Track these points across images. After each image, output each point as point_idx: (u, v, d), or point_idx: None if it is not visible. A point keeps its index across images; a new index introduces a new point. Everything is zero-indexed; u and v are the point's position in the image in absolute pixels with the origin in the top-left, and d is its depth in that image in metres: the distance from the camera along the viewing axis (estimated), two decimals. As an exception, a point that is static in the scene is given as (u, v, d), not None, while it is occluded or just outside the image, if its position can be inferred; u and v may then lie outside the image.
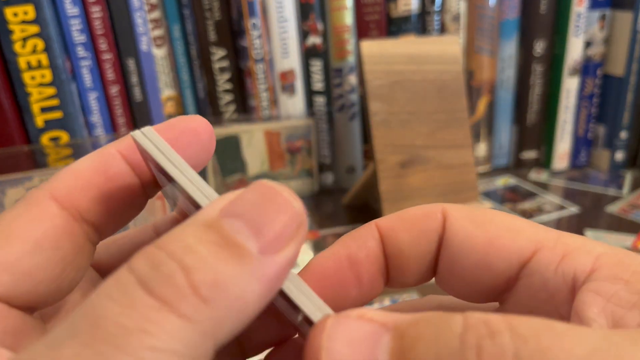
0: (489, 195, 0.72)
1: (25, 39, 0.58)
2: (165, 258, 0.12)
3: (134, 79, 0.65)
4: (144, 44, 0.65)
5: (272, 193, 0.13)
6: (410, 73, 0.60)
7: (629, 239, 0.59)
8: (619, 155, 0.76)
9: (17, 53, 0.58)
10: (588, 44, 0.73)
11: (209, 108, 0.70)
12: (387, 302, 0.51)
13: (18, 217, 0.15)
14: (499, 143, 0.78)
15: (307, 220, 0.14)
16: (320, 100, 0.71)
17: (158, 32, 0.66)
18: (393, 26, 0.69)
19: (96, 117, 0.65)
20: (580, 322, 0.14)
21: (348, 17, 0.67)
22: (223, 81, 0.69)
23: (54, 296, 0.16)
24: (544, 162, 0.79)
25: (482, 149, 0.78)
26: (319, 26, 0.68)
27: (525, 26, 0.72)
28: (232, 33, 0.67)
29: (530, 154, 0.79)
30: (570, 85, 0.74)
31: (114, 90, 0.65)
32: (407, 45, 0.61)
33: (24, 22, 0.57)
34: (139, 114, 0.67)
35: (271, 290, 0.13)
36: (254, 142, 0.70)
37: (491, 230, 0.16)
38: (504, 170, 0.79)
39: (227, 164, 0.70)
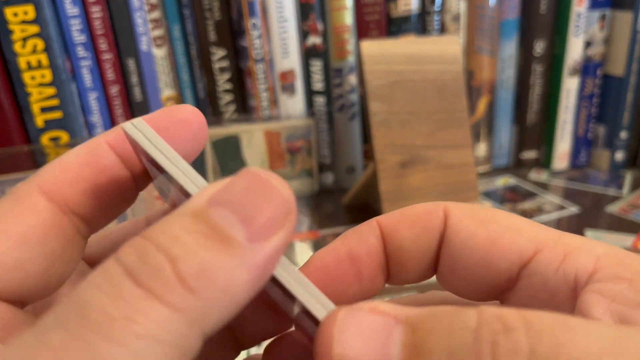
0: (489, 195, 0.72)
1: (25, 39, 0.58)
2: (152, 249, 0.12)
3: (134, 79, 0.65)
4: (144, 44, 0.65)
5: (260, 181, 0.13)
6: (410, 73, 0.60)
7: (629, 239, 0.59)
8: (619, 155, 0.76)
9: (17, 53, 0.58)
10: (588, 44, 0.73)
11: (209, 108, 0.70)
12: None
13: (5, 211, 0.15)
14: (499, 143, 0.78)
15: (296, 208, 0.13)
16: (320, 100, 0.71)
17: (158, 32, 0.66)
18: (393, 26, 0.69)
19: (96, 117, 0.65)
20: None
21: (348, 17, 0.67)
22: (223, 81, 0.69)
23: (44, 290, 0.16)
24: (544, 162, 0.79)
25: (482, 149, 0.78)
26: (319, 26, 0.68)
27: (525, 26, 0.72)
28: (232, 33, 0.67)
29: (530, 154, 0.79)
30: (570, 85, 0.74)
31: (114, 90, 0.65)
32: (407, 45, 0.61)
33: (24, 22, 0.57)
34: (139, 114, 0.66)
35: (260, 279, 0.13)
36: (254, 142, 0.70)
37: (493, 230, 0.16)
38: (504, 170, 0.79)
39: (227, 164, 0.70)
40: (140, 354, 0.11)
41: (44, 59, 0.59)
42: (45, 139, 0.62)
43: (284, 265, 0.14)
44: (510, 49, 0.73)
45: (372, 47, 0.60)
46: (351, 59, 0.69)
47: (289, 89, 0.69)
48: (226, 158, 0.70)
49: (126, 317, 0.11)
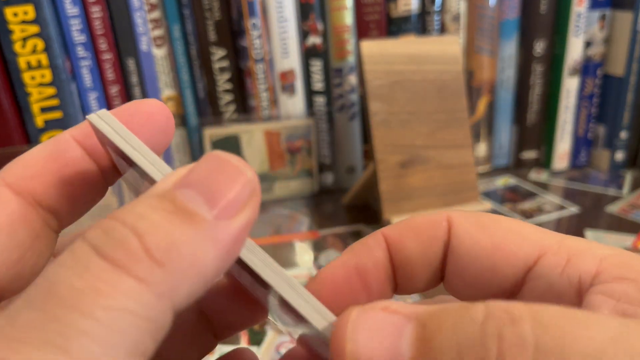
0: (489, 195, 0.72)
1: (25, 39, 0.58)
2: (118, 225, 0.12)
3: (134, 79, 0.65)
4: (144, 44, 0.65)
5: (223, 162, 0.13)
6: (410, 73, 0.60)
7: (629, 239, 0.59)
8: (619, 155, 0.76)
9: (17, 53, 0.58)
10: (588, 44, 0.73)
11: (209, 108, 0.70)
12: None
13: None
14: (499, 143, 0.78)
15: (259, 188, 0.14)
16: (320, 100, 0.71)
17: (158, 32, 0.66)
18: (393, 26, 0.69)
19: (96, 117, 0.65)
20: None
21: (348, 17, 0.67)
22: (223, 81, 0.69)
23: (16, 281, 0.16)
24: (544, 162, 0.79)
25: (482, 149, 0.78)
26: (319, 26, 0.68)
27: (525, 26, 0.72)
28: (232, 33, 0.67)
29: (530, 154, 0.79)
30: (570, 85, 0.74)
31: (114, 90, 0.65)
32: (407, 45, 0.61)
33: (24, 22, 0.57)
34: (139, 114, 0.67)
35: (228, 256, 0.13)
36: (254, 142, 0.70)
37: (496, 236, 0.16)
38: (504, 170, 0.79)
39: (227, 164, 0.70)
40: (110, 325, 0.11)
41: (44, 59, 0.59)
42: (45, 139, 0.62)
43: (255, 251, 0.14)
44: (510, 49, 0.73)
45: (372, 47, 0.60)
46: (351, 59, 0.69)
47: (289, 89, 0.69)
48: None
49: (94, 289, 0.11)
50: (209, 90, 0.69)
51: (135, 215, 0.12)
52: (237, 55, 0.68)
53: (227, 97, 0.70)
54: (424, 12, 0.70)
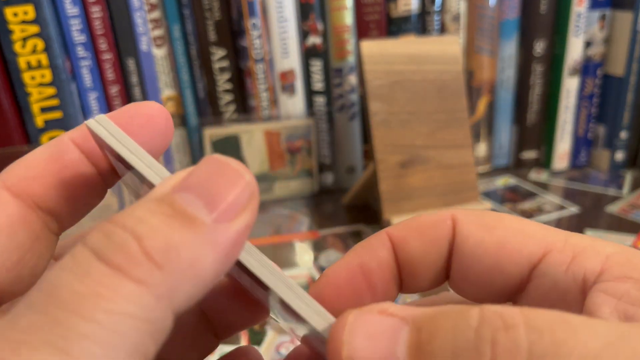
0: (489, 195, 0.72)
1: (25, 39, 0.58)
2: (118, 229, 0.12)
3: (134, 79, 0.65)
4: (144, 44, 0.65)
5: (222, 166, 0.13)
6: (410, 73, 0.60)
7: (629, 239, 0.59)
8: (619, 155, 0.76)
9: (17, 53, 0.58)
10: (588, 44, 0.73)
11: (209, 108, 0.70)
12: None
13: None
14: (499, 143, 0.78)
15: (258, 191, 0.14)
16: (320, 100, 0.71)
17: (158, 32, 0.66)
18: (393, 26, 0.69)
19: (96, 117, 0.65)
20: None
21: (348, 17, 0.67)
22: (223, 81, 0.69)
23: (16, 285, 0.16)
24: (544, 162, 0.79)
25: (482, 149, 0.78)
26: (319, 26, 0.68)
27: (525, 26, 0.72)
28: (232, 33, 0.67)
29: (530, 154, 0.79)
30: (570, 85, 0.74)
31: (114, 90, 0.65)
32: (407, 45, 0.61)
33: (24, 22, 0.57)
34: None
35: (227, 259, 0.13)
36: (254, 142, 0.70)
37: (501, 235, 0.16)
38: (504, 170, 0.79)
39: (227, 164, 0.70)
40: (111, 328, 0.11)
41: (44, 59, 0.59)
42: (45, 139, 0.62)
43: (253, 253, 0.15)
44: (510, 49, 0.73)
45: (372, 47, 0.60)
46: (351, 59, 0.69)
47: (289, 89, 0.69)
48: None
49: (95, 293, 0.11)
50: (209, 90, 0.69)
51: (134, 219, 0.12)
52: (237, 55, 0.68)
53: (227, 97, 0.70)
54: (424, 12, 0.70)
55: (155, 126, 0.17)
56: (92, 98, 0.64)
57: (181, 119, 0.71)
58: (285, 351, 0.45)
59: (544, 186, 0.74)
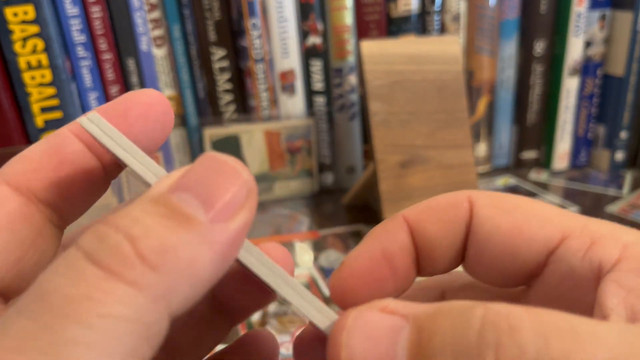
0: (489, 195, 0.72)
1: (25, 39, 0.58)
2: (111, 231, 0.12)
3: (134, 79, 0.65)
4: (144, 44, 0.65)
5: (219, 164, 0.13)
6: (410, 73, 0.60)
7: (629, 239, 0.59)
8: (619, 155, 0.76)
9: (17, 53, 0.58)
10: (588, 44, 0.73)
11: (209, 108, 0.70)
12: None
13: None
14: (499, 143, 0.78)
15: (256, 189, 0.13)
16: (320, 100, 0.71)
17: (158, 32, 0.66)
18: (393, 26, 0.69)
19: (96, 117, 0.65)
20: (601, 312, 0.14)
21: (348, 17, 0.67)
22: (223, 81, 0.69)
23: (19, 282, 0.16)
24: (544, 162, 0.79)
25: (482, 149, 0.78)
26: (319, 26, 0.68)
27: (525, 26, 0.72)
28: (232, 33, 0.67)
29: (530, 154, 0.79)
30: (570, 85, 0.74)
31: (114, 90, 0.65)
32: (407, 45, 0.61)
33: (24, 22, 0.57)
34: (139, 114, 0.67)
35: (225, 259, 0.13)
36: (254, 142, 0.70)
37: (518, 219, 0.16)
38: (504, 170, 0.79)
39: (227, 164, 0.70)
40: (105, 333, 0.11)
41: (44, 59, 0.59)
42: (45, 139, 0.62)
43: (252, 251, 0.14)
44: (510, 49, 0.73)
45: (372, 47, 0.60)
46: (351, 59, 0.69)
47: (289, 89, 0.69)
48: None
49: (87, 297, 0.11)
50: (209, 90, 0.69)
51: (128, 220, 0.12)
52: (237, 55, 0.68)
53: (227, 97, 0.70)
54: (424, 12, 0.70)
55: (153, 115, 0.17)
56: (92, 98, 0.64)
57: (181, 119, 0.71)
58: (285, 351, 0.45)
59: (544, 186, 0.74)
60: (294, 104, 0.70)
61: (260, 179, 0.71)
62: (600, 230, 0.15)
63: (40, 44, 0.58)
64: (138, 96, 0.17)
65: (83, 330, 0.11)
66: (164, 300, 0.12)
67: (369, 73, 0.59)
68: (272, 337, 0.20)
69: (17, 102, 0.60)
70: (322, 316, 0.15)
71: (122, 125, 0.16)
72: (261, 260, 0.14)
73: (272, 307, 0.50)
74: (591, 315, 0.14)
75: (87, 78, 0.63)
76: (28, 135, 0.62)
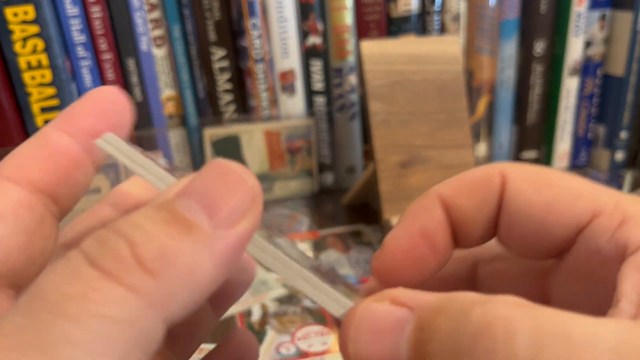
0: (489, 195, 0.72)
1: (25, 39, 0.58)
2: (113, 235, 0.12)
3: (134, 79, 0.65)
4: (144, 44, 0.65)
5: (224, 171, 0.13)
6: (410, 73, 0.60)
7: (629, 239, 0.59)
8: (619, 155, 0.76)
9: (17, 53, 0.58)
10: (588, 44, 0.73)
11: (209, 108, 0.70)
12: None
13: None
14: (499, 143, 0.78)
15: (262, 196, 0.14)
16: (320, 100, 0.71)
17: (158, 32, 0.66)
18: (393, 26, 0.69)
19: (96, 117, 0.65)
20: (616, 296, 0.14)
21: (348, 17, 0.67)
22: (223, 81, 0.69)
23: (29, 268, 0.16)
24: (544, 162, 0.79)
25: (482, 149, 0.78)
26: (319, 26, 0.68)
27: (525, 26, 0.72)
28: (232, 33, 0.67)
29: (530, 154, 0.79)
30: (570, 85, 0.74)
31: (114, 90, 0.65)
32: (407, 45, 0.61)
33: (24, 22, 0.57)
34: (139, 114, 0.67)
35: (227, 266, 0.13)
36: (254, 142, 0.70)
37: (550, 194, 0.16)
38: (504, 170, 0.79)
39: (227, 164, 0.70)
40: (95, 332, 0.11)
41: (44, 59, 0.59)
42: (45, 139, 0.62)
43: (265, 248, 0.15)
44: (510, 49, 0.73)
45: (372, 47, 0.60)
46: (351, 59, 0.69)
47: (289, 89, 0.69)
48: (226, 158, 0.70)
49: (82, 296, 0.11)
50: (209, 90, 0.69)
51: (130, 225, 0.12)
52: (237, 55, 0.68)
53: (227, 97, 0.70)
54: (424, 12, 0.70)
55: (112, 106, 0.18)
56: (92, 98, 0.64)
57: (181, 119, 0.71)
58: (285, 351, 0.45)
59: (544, 186, 0.74)
60: (294, 104, 0.70)
61: (260, 179, 0.71)
62: (630, 209, 0.15)
63: (40, 44, 0.58)
64: (97, 93, 0.18)
65: (73, 327, 0.11)
66: (161, 306, 0.12)
67: (369, 73, 0.59)
68: (250, 337, 0.21)
69: (17, 102, 0.60)
70: (339, 307, 0.15)
71: (94, 121, 0.17)
72: (275, 257, 0.15)
73: (272, 307, 0.50)
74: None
75: (87, 78, 0.63)
76: (28, 135, 0.62)
